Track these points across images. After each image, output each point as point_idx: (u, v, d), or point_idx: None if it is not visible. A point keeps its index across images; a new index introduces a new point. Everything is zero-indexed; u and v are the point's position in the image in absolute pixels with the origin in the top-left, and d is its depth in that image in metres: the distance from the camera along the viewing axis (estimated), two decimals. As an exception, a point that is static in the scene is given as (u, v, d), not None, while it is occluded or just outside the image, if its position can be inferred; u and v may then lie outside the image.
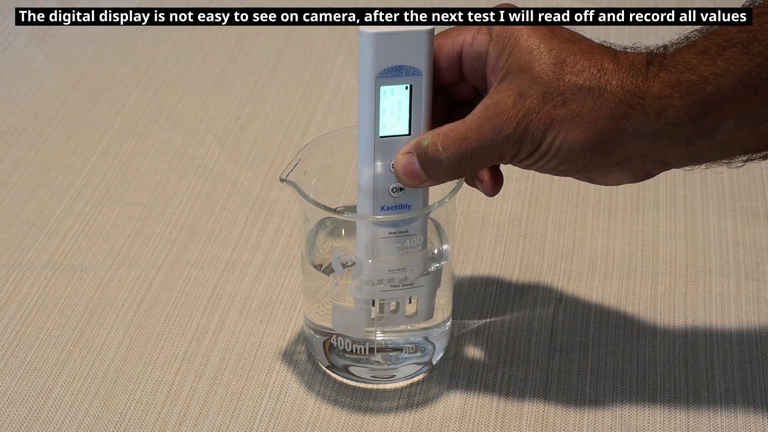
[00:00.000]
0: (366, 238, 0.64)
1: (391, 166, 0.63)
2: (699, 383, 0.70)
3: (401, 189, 0.64)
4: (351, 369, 0.69)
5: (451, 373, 0.71)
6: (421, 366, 0.70)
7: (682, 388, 0.69)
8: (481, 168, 0.62)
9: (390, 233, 0.64)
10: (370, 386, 0.70)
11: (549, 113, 0.59)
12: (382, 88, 0.61)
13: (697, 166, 0.62)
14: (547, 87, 0.59)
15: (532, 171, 0.64)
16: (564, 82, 0.59)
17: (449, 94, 0.65)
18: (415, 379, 0.70)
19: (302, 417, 0.68)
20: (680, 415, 0.68)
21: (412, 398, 0.69)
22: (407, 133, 0.63)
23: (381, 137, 0.62)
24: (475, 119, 0.60)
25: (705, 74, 0.57)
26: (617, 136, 0.59)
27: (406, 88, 0.62)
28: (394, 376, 0.70)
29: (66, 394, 0.69)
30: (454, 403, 0.69)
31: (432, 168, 0.62)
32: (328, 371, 0.70)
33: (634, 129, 0.59)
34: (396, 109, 0.62)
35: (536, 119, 0.59)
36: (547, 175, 0.66)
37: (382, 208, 0.64)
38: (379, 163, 0.63)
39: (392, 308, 0.66)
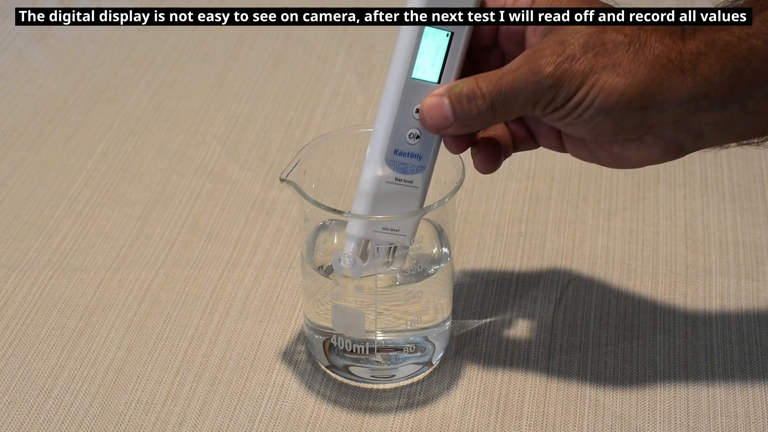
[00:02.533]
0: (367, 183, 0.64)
1: (415, 110, 0.63)
2: (699, 383, 0.70)
3: (418, 137, 0.63)
4: (351, 369, 0.69)
5: (451, 373, 0.70)
6: (421, 366, 0.70)
7: (682, 388, 0.69)
8: (513, 115, 0.61)
9: (396, 179, 0.64)
10: (370, 386, 0.70)
11: (589, 61, 0.59)
12: (426, 29, 0.61)
13: (726, 147, 0.63)
14: (588, 37, 0.60)
15: (532, 170, 0.63)
16: (606, 35, 0.60)
17: (476, 63, 0.65)
18: (415, 378, 0.70)
19: (302, 417, 0.68)
20: (680, 415, 0.68)
21: (412, 398, 0.69)
22: (437, 81, 0.62)
23: (413, 78, 0.62)
24: (513, 65, 0.60)
25: (739, 34, 0.59)
26: (654, 91, 0.59)
27: (447, 35, 0.62)
28: (394, 375, 0.70)
29: (66, 394, 0.69)
30: (454, 403, 0.69)
31: (462, 109, 0.61)
32: (328, 371, 0.70)
33: (670, 84, 0.59)
34: (432, 54, 0.62)
35: (576, 66, 0.59)
36: (547, 175, 0.65)
37: (395, 151, 0.63)
38: (402, 106, 0.62)
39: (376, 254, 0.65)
